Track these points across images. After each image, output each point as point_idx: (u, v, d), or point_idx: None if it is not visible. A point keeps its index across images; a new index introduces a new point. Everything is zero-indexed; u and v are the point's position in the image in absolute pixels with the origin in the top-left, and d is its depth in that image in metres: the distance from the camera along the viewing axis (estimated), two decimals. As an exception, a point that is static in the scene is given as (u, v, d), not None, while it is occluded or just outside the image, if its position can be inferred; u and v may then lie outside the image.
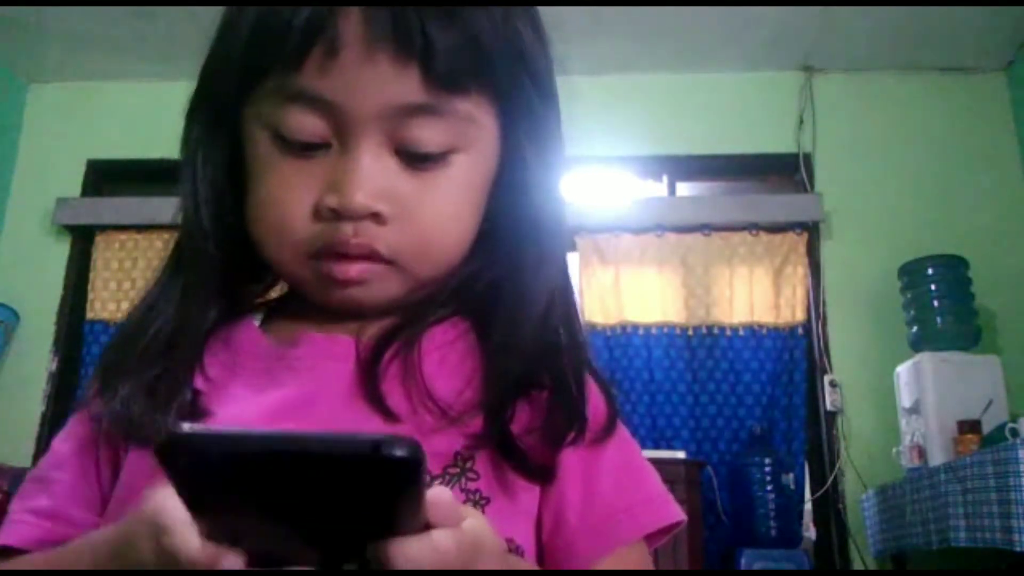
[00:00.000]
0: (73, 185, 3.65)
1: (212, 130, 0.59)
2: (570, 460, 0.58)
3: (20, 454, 3.01)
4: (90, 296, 3.48)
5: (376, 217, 0.54)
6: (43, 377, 3.39)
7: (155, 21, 3.31)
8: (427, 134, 0.55)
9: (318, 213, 0.55)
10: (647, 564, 0.60)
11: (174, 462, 0.37)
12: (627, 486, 0.60)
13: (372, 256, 0.55)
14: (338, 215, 0.54)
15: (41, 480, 0.60)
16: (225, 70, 0.56)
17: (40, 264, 3.56)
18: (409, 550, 0.37)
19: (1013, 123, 3.47)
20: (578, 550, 0.58)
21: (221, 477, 0.37)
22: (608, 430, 0.60)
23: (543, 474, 0.57)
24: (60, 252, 3.58)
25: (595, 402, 0.60)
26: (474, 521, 0.41)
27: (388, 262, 0.56)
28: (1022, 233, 3.31)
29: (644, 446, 3.04)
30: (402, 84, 0.53)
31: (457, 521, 0.39)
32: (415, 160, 0.55)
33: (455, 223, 0.58)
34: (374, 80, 0.52)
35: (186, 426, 0.39)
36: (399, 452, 0.35)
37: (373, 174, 0.54)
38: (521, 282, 0.59)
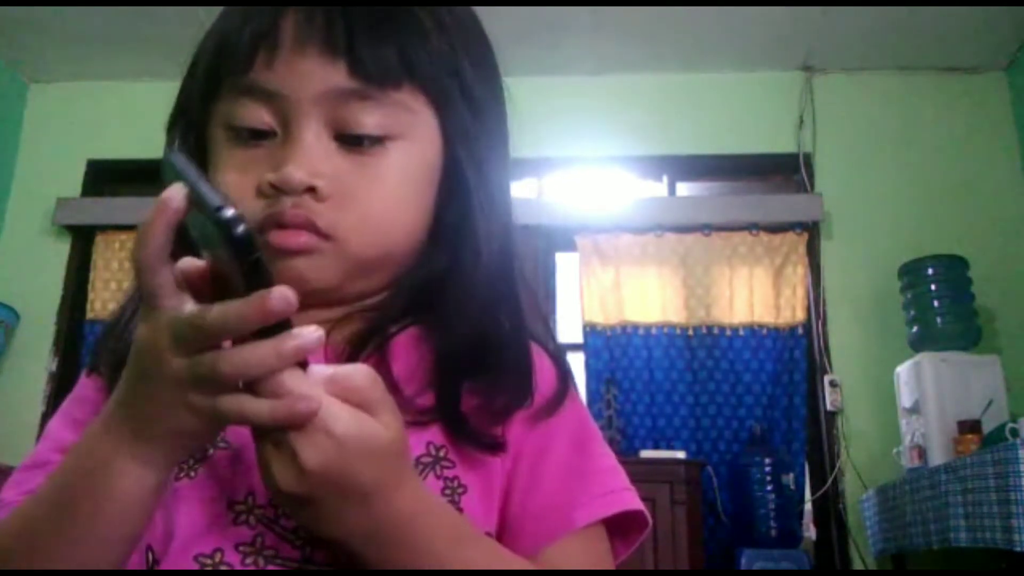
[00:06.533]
0: (73, 185, 3.65)
1: (186, 137, 0.65)
2: (524, 446, 0.61)
3: (20, 454, 2.98)
4: (90, 296, 3.48)
5: (313, 192, 0.59)
6: (43, 377, 3.40)
7: (155, 21, 3.31)
8: (362, 117, 0.60)
9: (260, 191, 0.59)
10: (596, 553, 0.62)
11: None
12: (576, 475, 0.62)
13: (309, 227, 0.59)
14: (278, 191, 0.58)
15: (42, 464, 0.63)
16: (195, 84, 0.64)
17: (40, 264, 3.56)
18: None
19: (1013, 123, 3.47)
20: (522, 535, 0.60)
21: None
22: (557, 402, 0.64)
23: (493, 446, 0.60)
24: (60, 252, 3.58)
25: (546, 376, 0.64)
26: (381, 421, 0.48)
27: (326, 236, 0.59)
28: (1022, 233, 3.31)
29: (644, 446, 3.04)
30: (330, 72, 0.59)
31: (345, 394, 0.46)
32: (353, 142, 0.60)
33: (395, 206, 0.62)
34: (306, 69, 0.59)
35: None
36: (234, 223, 0.43)
37: (311, 153, 0.59)
38: (460, 276, 0.64)
